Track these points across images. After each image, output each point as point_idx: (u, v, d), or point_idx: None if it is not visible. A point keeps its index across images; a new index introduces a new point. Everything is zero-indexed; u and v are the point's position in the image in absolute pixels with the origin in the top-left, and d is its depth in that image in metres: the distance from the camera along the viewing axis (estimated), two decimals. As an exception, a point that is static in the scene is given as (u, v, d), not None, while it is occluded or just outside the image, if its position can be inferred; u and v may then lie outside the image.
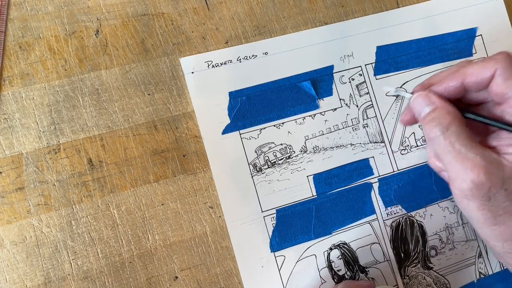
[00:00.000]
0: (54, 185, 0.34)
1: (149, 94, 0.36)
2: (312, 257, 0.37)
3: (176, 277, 0.35)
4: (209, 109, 0.37)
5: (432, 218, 0.40)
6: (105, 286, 0.34)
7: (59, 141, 0.35)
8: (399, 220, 0.39)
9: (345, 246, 0.38)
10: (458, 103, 0.33)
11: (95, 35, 0.36)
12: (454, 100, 0.33)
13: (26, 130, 0.34)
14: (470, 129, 0.33)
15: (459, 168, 0.30)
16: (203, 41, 0.38)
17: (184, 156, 0.36)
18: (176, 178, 0.36)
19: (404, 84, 0.41)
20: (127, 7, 0.37)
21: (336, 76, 0.40)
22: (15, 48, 0.35)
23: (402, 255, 0.39)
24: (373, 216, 0.39)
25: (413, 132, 0.41)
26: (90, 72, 0.36)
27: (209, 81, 0.37)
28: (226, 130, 0.37)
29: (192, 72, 0.37)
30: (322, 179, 0.38)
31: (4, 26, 0.35)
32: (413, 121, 0.35)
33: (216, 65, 0.38)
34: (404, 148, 0.40)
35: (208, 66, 0.38)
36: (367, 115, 0.40)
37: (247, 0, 0.39)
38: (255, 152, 0.38)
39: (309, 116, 0.39)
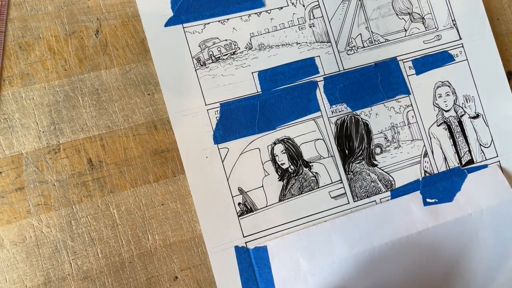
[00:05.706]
0: (54, 185, 0.34)
1: (149, 94, 0.37)
2: (256, 151, 0.37)
3: (176, 277, 0.35)
4: (153, 1, 0.37)
5: (378, 117, 0.40)
6: (105, 286, 0.34)
7: (59, 141, 0.35)
8: (344, 117, 0.39)
9: (289, 141, 0.38)
10: None
11: (95, 35, 0.36)
12: None
13: (26, 130, 0.34)
14: None
15: None
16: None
17: (184, 156, 0.36)
18: (176, 178, 0.36)
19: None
20: (127, 7, 0.37)
21: None
22: (15, 48, 0.35)
23: (347, 151, 0.39)
24: (318, 113, 0.39)
25: (360, 34, 0.40)
26: (90, 72, 0.36)
27: None
28: (169, 23, 0.37)
29: None
30: (267, 76, 0.38)
31: (4, 26, 0.35)
32: None
33: None
34: (350, 48, 0.40)
35: None
36: (313, 15, 0.40)
37: None
38: (199, 46, 0.38)
39: (255, 13, 0.39)
